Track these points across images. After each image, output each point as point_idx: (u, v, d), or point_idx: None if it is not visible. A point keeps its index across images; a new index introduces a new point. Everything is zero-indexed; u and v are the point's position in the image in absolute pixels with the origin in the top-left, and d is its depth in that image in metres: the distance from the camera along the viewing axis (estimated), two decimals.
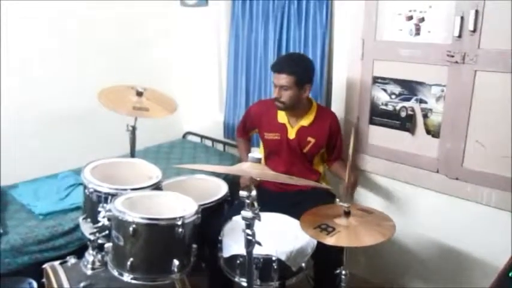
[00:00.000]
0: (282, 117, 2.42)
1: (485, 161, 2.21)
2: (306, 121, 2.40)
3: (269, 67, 2.85)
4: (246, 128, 2.63)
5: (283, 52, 2.87)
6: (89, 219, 2.07)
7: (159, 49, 3.51)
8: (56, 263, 2.07)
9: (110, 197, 1.96)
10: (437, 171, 2.37)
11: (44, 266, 2.08)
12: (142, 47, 3.39)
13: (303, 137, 2.39)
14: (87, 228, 2.05)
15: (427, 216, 2.47)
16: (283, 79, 2.26)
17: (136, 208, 1.87)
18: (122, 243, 1.81)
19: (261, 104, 2.61)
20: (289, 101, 2.30)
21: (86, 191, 2.04)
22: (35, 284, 2.31)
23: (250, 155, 1.59)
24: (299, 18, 2.75)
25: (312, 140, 2.39)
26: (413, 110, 2.41)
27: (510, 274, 1.39)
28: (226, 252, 1.94)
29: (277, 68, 2.30)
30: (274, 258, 1.84)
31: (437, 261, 2.49)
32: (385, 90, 2.50)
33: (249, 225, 1.54)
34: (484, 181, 2.22)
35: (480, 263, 2.30)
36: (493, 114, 2.14)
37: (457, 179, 2.31)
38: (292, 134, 2.40)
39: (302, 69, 2.30)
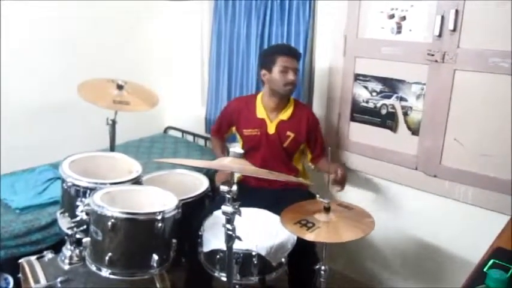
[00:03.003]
0: (261, 112, 2.42)
1: (463, 159, 2.24)
2: (285, 115, 2.41)
3: (254, 61, 2.89)
4: (222, 128, 2.59)
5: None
6: (66, 214, 2.04)
7: (140, 43, 3.47)
8: (33, 258, 2.04)
9: (88, 191, 1.94)
10: (416, 169, 2.40)
11: (20, 261, 2.05)
12: (124, 40, 3.34)
13: (283, 132, 2.39)
14: (64, 223, 2.02)
15: (406, 212, 2.51)
16: (296, 63, 2.35)
17: (115, 203, 1.85)
18: (100, 238, 1.79)
19: (238, 100, 2.61)
20: (296, 84, 2.39)
21: (64, 185, 2.01)
22: (11, 279, 2.27)
23: (231, 149, 1.58)
24: (282, 14, 2.75)
25: (291, 134, 2.39)
26: (393, 107, 2.44)
27: (485, 269, 1.41)
28: (207, 247, 1.94)
29: (293, 51, 2.37)
30: (254, 254, 1.84)
31: (416, 257, 2.52)
32: (366, 87, 2.52)
33: (230, 220, 1.54)
34: (461, 178, 2.25)
35: (457, 258, 2.34)
36: (471, 113, 2.18)
37: (435, 176, 2.34)
38: (271, 129, 2.40)
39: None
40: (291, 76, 2.31)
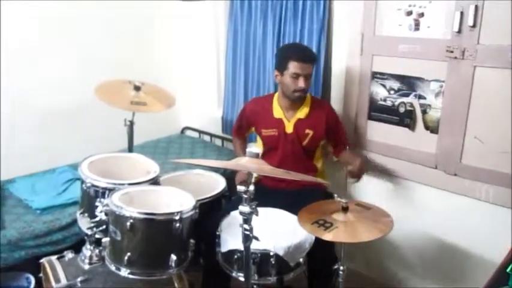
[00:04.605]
0: (277, 112, 2.41)
1: (483, 157, 2.20)
2: (302, 113, 2.39)
3: (270, 61, 2.87)
4: (242, 128, 2.60)
5: None
6: (86, 214, 2.07)
7: (157, 44, 3.49)
8: (54, 258, 2.07)
9: (107, 192, 1.96)
10: (436, 167, 2.37)
11: (41, 260, 2.08)
12: (141, 41, 3.37)
13: (301, 130, 2.37)
14: (84, 223, 2.05)
15: (425, 211, 2.47)
16: (310, 68, 2.28)
17: (133, 203, 1.87)
18: (119, 238, 1.81)
19: (255, 102, 2.60)
20: (308, 89, 2.34)
21: (84, 185, 2.03)
22: (32, 278, 2.32)
23: (248, 149, 1.58)
24: (297, 13, 2.73)
25: (310, 132, 2.37)
26: (412, 105, 2.41)
27: (508, 269, 1.38)
28: (224, 247, 1.94)
29: (307, 56, 2.29)
30: (271, 254, 1.84)
31: (435, 257, 2.49)
32: (384, 85, 2.49)
33: (247, 220, 1.54)
34: (482, 177, 2.21)
35: (478, 258, 2.30)
36: (491, 110, 2.14)
37: (455, 174, 2.30)
38: (289, 128, 2.39)
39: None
40: (301, 83, 2.26)
